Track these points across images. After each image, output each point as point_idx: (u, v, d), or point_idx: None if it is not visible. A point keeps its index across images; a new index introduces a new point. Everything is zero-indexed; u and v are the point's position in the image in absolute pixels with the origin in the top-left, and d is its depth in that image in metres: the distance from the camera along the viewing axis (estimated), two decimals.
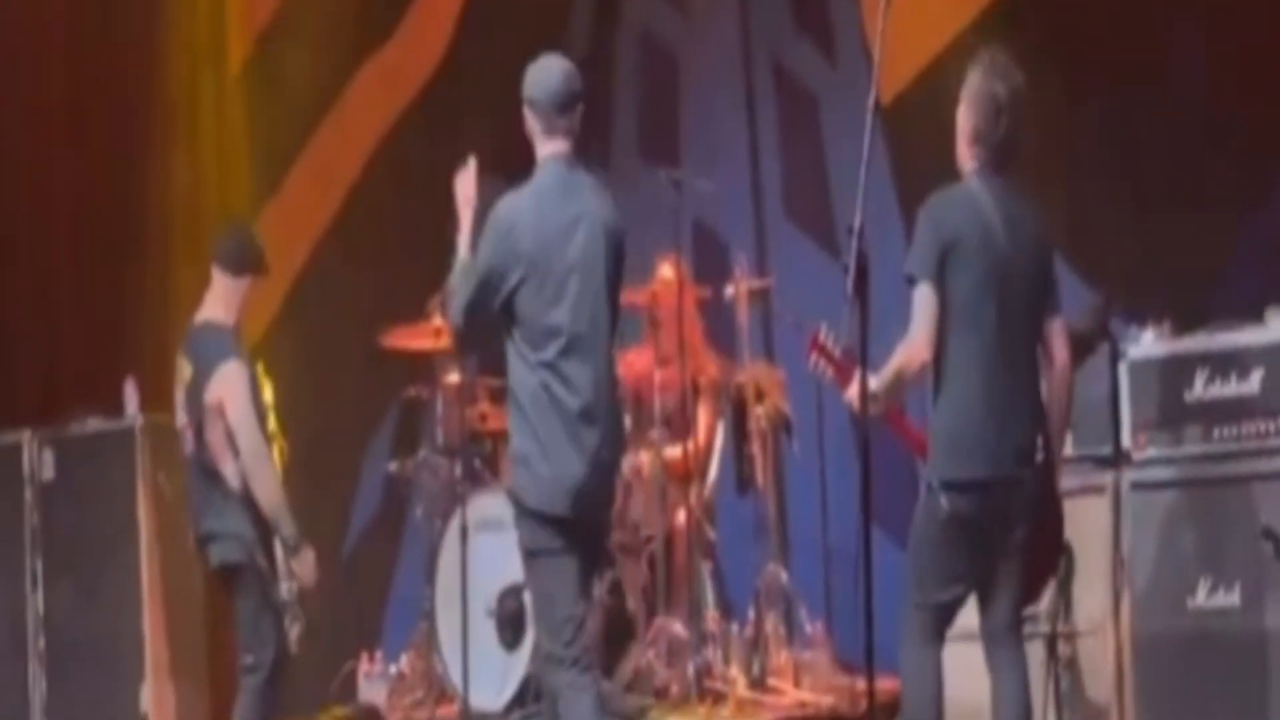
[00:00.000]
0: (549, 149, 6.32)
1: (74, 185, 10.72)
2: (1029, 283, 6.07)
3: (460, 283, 6.20)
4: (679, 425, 8.80)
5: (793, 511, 9.02)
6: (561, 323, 6.15)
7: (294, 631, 7.15)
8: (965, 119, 6.09)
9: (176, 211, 11.09)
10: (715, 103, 10.02)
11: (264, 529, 7.17)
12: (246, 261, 7.38)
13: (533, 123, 6.31)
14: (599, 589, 8.14)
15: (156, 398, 9.30)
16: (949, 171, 6.13)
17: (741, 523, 9.02)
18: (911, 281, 5.96)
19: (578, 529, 6.22)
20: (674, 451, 8.78)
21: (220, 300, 7.36)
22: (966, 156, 6.13)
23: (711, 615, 8.69)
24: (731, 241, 9.66)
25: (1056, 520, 6.21)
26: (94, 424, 9.73)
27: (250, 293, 7.40)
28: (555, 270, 6.15)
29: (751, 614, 8.68)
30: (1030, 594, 6.30)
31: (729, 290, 8.76)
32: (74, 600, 9.55)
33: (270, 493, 7.17)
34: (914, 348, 5.96)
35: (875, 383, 5.87)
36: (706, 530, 8.87)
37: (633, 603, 8.73)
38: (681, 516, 8.77)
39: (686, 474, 8.78)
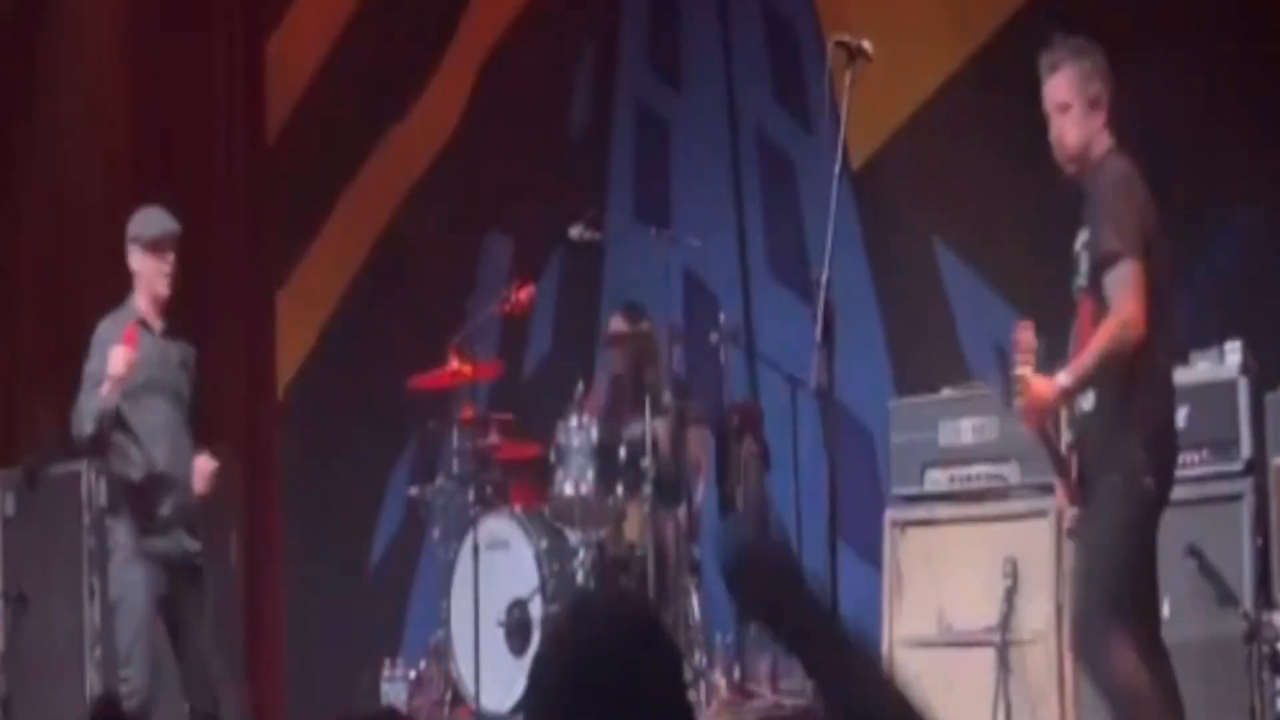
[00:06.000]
0: None
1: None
2: None
3: None
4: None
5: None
6: None
7: None
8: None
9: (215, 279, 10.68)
10: (704, 168, 9.91)
11: None
12: None
13: None
14: None
15: None
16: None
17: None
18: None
19: None
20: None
21: None
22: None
23: (697, 625, 8.53)
24: (719, 292, 9.63)
25: None
26: None
27: None
28: None
29: (733, 627, 8.58)
30: None
31: (714, 336, 8.65)
32: None
33: None
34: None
35: (1068, 376, 5.47)
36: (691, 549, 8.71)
37: None
38: (670, 533, 8.60)
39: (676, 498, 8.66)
